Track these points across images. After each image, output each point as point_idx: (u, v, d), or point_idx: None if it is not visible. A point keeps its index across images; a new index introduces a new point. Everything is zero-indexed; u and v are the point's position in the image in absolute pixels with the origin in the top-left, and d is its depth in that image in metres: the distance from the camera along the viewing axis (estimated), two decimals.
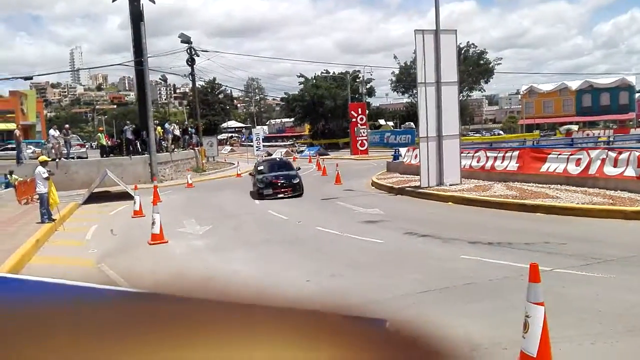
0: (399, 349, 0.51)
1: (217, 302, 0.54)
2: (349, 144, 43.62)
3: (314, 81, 54.29)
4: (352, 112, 41.75)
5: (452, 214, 11.56)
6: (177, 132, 28.68)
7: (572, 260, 6.71)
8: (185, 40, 35.26)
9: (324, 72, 55.65)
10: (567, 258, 6.86)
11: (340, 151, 45.95)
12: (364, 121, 41.69)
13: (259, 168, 17.41)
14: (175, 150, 27.20)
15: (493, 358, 4.10)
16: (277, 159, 20.47)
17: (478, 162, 16.71)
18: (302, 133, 66.27)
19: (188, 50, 35.36)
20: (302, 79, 55.39)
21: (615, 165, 12.35)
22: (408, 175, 18.03)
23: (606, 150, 13.10)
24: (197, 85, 41.10)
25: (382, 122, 69.87)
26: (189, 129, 32.50)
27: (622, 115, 60.37)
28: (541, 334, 3.85)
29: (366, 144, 41.35)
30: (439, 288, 5.97)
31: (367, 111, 45.11)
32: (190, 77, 36.59)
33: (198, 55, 36.06)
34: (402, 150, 22.45)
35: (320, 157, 34.72)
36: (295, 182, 16.07)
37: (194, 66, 35.85)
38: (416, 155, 17.34)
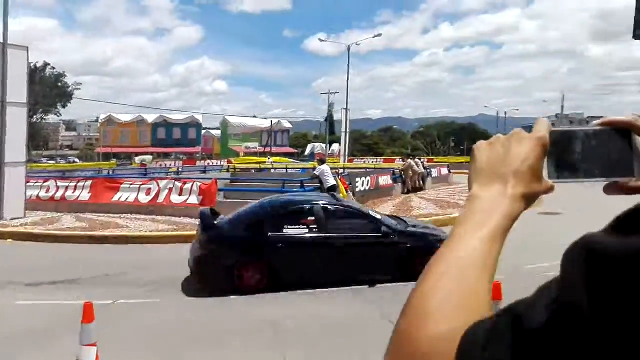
0: None
1: None
2: None
3: None
4: None
5: (12, 253, 10.07)
6: None
7: (134, 289, 6.92)
8: None
9: None
10: (130, 287, 7.03)
11: None
12: None
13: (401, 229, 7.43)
14: None
15: None
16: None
17: (47, 192, 15.34)
18: None
19: None
20: None
21: (180, 194, 13.73)
22: None
23: (174, 181, 14.43)
24: None
25: None
26: None
27: (191, 149, 68.73)
28: None
29: None
30: None
31: None
32: None
33: None
34: None
35: None
36: None
37: None
38: None
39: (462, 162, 42.84)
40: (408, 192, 18.82)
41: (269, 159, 44.90)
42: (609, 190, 0.59)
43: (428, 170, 22.12)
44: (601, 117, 0.60)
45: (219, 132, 75.62)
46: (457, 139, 72.83)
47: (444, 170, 26.29)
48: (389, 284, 6.71)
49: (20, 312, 6.09)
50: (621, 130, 0.57)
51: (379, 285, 6.78)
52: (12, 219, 12.74)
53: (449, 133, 74.66)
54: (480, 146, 0.64)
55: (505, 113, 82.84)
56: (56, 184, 15.51)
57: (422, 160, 26.24)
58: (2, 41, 12.83)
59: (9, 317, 5.92)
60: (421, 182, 20.03)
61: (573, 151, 0.59)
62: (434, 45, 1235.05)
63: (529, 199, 0.59)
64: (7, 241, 11.10)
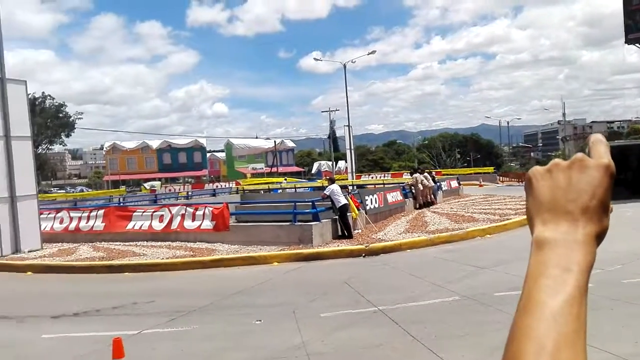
0: None
1: None
2: None
3: None
4: None
5: (32, 286, 10.12)
6: None
7: (159, 318, 6.92)
8: None
9: None
10: (154, 316, 7.03)
11: None
12: None
13: None
14: None
15: None
16: None
17: (61, 223, 15.45)
18: None
19: None
20: None
21: (193, 220, 13.78)
22: None
23: (185, 207, 14.49)
24: None
25: None
26: None
27: (197, 172, 69.08)
28: None
29: None
30: None
31: None
32: None
33: None
34: None
35: None
36: None
37: None
38: None
39: (470, 173, 42.93)
40: (420, 207, 18.74)
41: (285, 179, 46.37)
42: None
43: (438, 184, 22.05)
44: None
45: (223, 154, 76.02)
46: (462, 150, 72.70)
47: (454, 183, 26.21)
48: None
49: (48, 346, 6.09)
50: None
51: None
52: (29, 252, 12.83)
53: (453, 144, 74.48)
54: (537, 174, 0.55)
55: (508, 122, 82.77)
56: (69, 214, 15.62)
57: (432, 173, 26.16)
58: (0, 76, 12.96)
59: (38, 352, 5.94)
60: (432, 196, 19.97)
61: (630, 167, 0.52)
62: (428, 59, 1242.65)
63: (600, 238, 0.51)
64: (26, 274, 11.18)
